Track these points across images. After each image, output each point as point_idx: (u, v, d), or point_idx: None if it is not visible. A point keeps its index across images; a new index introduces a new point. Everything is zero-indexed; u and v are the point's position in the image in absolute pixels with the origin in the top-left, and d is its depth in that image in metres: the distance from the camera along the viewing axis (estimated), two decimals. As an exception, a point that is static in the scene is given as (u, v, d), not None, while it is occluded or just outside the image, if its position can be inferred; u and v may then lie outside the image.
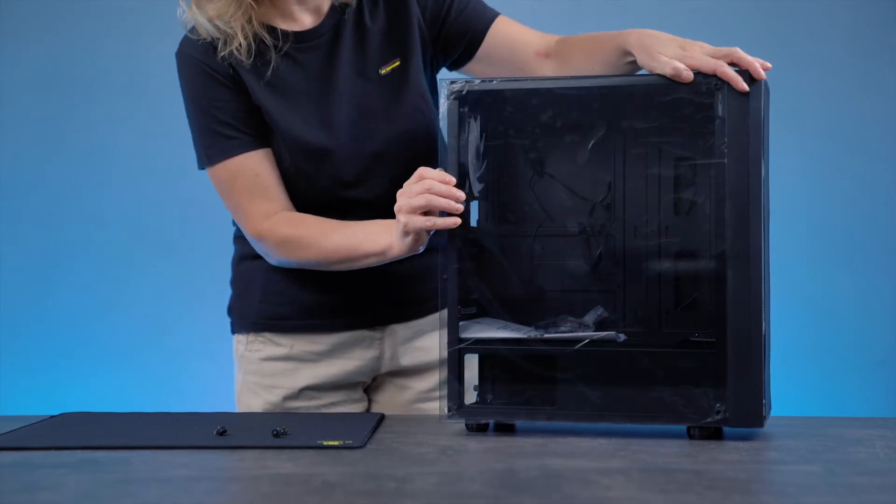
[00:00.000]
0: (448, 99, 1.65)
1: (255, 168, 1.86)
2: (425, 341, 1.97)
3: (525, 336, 1.64)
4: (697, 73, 1.58)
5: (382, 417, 1.76)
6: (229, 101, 1.85)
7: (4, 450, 1.49)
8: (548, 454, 1.45)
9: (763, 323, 1.54)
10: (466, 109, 1.66)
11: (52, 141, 3.54)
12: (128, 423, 1.71)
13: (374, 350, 1.96)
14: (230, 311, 2.01)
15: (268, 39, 1.85)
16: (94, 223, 3.54)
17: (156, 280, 3.53)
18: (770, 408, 1.63)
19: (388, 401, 2.00)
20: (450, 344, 1.63)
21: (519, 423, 1.66)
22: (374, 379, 2.00)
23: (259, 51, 1.85)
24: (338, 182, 1.88)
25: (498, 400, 1.72)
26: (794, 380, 3.26)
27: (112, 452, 1.48)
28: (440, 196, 1.61)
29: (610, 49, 1.79)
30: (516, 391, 1.71)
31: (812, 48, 3.51)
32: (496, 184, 1.78)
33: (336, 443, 1.49)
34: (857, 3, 3.52)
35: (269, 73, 1.85)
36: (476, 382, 1.72)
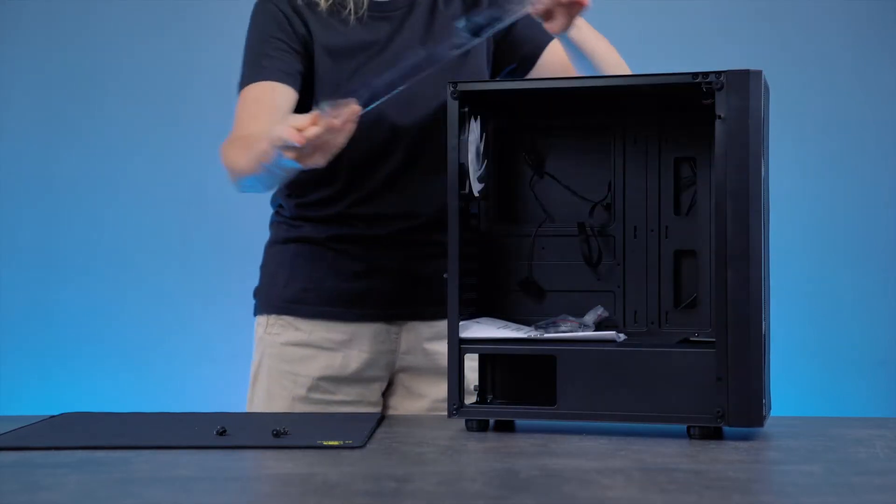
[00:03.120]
0: (449, 99, 1.65)
1: (263, 95, 1.90)
2: (443, 345, 1.97)
3: (525, 336, 1.64)
4: (700, 75, 1.57)
5: (383, 417, 1.76)
6: (285, 41, 1.91)
7: (4, 450, 1.49)
8: (548, 454, 1.45)
9: (763, 322, 1.54)
10: (466, 109, 1.66)
11: (53, 141, 3.53)
12: (128, 423, 1.71)
13: (391, 344, 1.96)
14: (256, 293, 2.04)
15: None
16: (95, 224, 3.54)
17: (156, 280, 3.53)
18: (770, 407, 1.63)
19: (404, 409, 2.00)
20: (450, 344, 1.63)
21: (519, 422, 1.66)
22: (391, 383, 2.00)
23: (335, 6, 1.94)
24: (365, 148, 1.91)
25: (498, 399, 1.72)
26: (794, 380, 3.26)
27: (112, 452, 1.47)
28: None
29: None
30: (516, 391, 1.71)
31: (812, 48, 3.50)
32: (496, 184, 1.78)
33: (336, 443, 1.49)
34: (857, 3, 3.52)
35: (351, 19, 1.93)
36: (476, 382, 1.72)
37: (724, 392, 1.53)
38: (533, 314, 1.75)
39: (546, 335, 1.64)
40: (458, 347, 1.63)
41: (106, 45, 3.53)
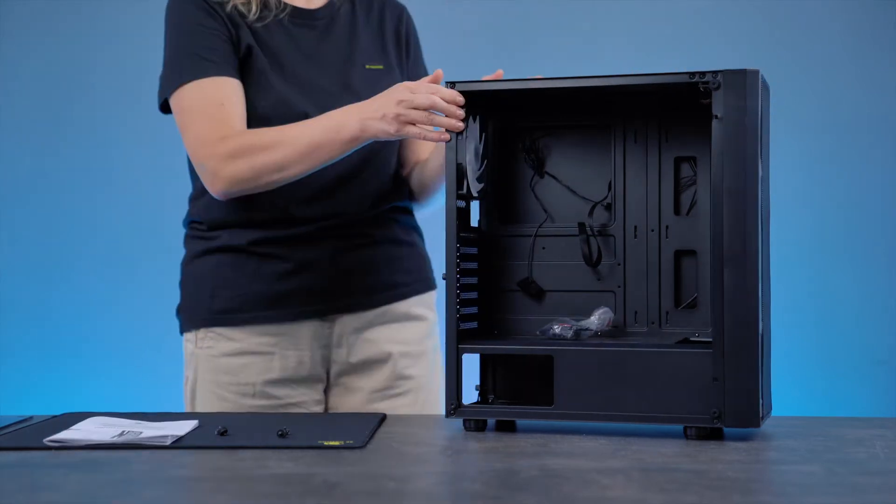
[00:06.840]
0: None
1: (223, 96, 1.87)
2: (374, 333, 1.98)
3: (109, 440, 1.61)
4: (697, 74, 1.57)
5: (384, 417, 1.76)
6: (216, 29, 1.90)
7: (4, 450, 1.49)
8: (548, 454, 1.45)
9: (761, 322, 1.54)
10: (466, 109, 1.66)
11: (52, 141, 3.53)
12: (128, 424, 1.71)
13: (325, 339, 1.96)
14: (179, 311, 2.02)
15: (270, 3, 1.95)
16: (94, 223, 3.54)
17: (156, 280, 3.53)
18: (770, 408, 1.63)
19: (344, 406, 1.99)
20: (448, 344, 1.63)
21: (519, 422, 1.66)
22: (329, 382, 2.00)
23: (262, 12, 1.94)
24: None
25: (498, 399, 1.72)
26: (794, 380, 3.26)
27: (112, 452, 1.48)
28: (443, 109, 1.66)
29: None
30: (516, 390, 1.72)
31: (812, 48, 3.51)
32: (496, 184, 1.78)
33: (336, 443, 1.50)
34: (857, 3, 3.52)
35: (272, 26, 1.94)
36: (475, 383, 1.72)
37: (720, 392, 1.53)
38: (533, 314, 1.75)
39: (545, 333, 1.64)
40: (457, 347, 1.63)
41: (104, 44, 3.53)
